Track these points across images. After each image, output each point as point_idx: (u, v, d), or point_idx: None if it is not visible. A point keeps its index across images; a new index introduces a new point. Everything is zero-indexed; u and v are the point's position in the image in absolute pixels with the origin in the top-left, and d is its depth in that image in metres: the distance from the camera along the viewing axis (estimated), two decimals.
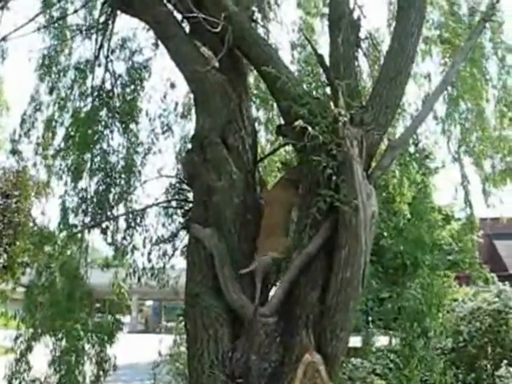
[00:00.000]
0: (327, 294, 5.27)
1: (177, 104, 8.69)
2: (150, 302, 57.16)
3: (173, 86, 9.17)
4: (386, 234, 12.07)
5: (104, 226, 8.04)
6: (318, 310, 5.28)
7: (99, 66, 8.35)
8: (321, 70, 6.93)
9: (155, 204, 7.26)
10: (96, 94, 8.33)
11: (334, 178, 5.24)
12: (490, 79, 8.41)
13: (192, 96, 7.07)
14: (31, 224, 13.21)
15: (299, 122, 5.25)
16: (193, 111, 8.59)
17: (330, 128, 5.42)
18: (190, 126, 8.99)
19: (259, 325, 5.27)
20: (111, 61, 8.36)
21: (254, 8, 7.55)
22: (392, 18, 8.54)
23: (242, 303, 5.47)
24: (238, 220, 5.92)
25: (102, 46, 8.31)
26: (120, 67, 8.51)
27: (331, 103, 5.74)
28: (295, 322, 5.30)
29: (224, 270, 5.63)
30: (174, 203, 7.04)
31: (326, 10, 7.76)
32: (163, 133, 8.59)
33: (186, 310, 5.90)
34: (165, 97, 8.81)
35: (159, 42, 8.91)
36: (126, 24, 8.58)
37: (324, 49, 6.49)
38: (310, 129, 5.20)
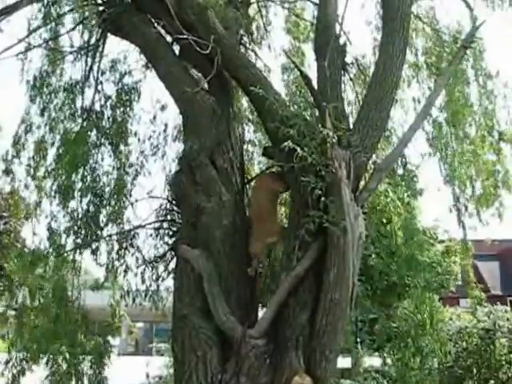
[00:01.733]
0: (316, 316, 5.27)
1: (166, 126, 8.67)
2: (140, 324, 56.74)
3: (163, 108, 9.21)
4: (375, 254, 12.08)
5: (94, 246, 8.02)
6: (308, 332, 5.27)
7: (89, 87, 8.36)
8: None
9: (143, 225, 7.24)
10: (86, 115, 8.34)
11: (322, 199, 5.25)
12: (471, 105, 8.53)
13: (181, 117, 7.05)
14: (21, 245, 13.17)
15: (288, 143, 5.28)
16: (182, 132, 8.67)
17: (318, 149, 5.46)
18: (180, 148, 9.04)
19: (248, 347, 5.25)
20: (101, 82, 8.38)
21: (242, 32, 7.59)
22: (377, 43, 8.64)
23: (231, 325, 5.45)
24: (227, 241, 5.93)
25: (92, 68, 8.33)
26: (110, 89, 8.53)
27: (319, 125, 5.77)
28: (284, 343, 5.28)
29: (213, 291, 5.62)
30: (163, 224, 7.00)
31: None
32: (153, 154, 8.58)
33: (174, 332, 5.87)
34: (154, 118, 8.80)
35: (149, 64, 9.06)
36: (116, 46, 8.61)
37: (314, 72, 6.53)
38: (299, 150, 5.22)
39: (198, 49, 6.45)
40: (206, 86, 6.65)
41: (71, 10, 8.34)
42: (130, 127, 8.58)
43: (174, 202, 6.81)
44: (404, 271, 10.49)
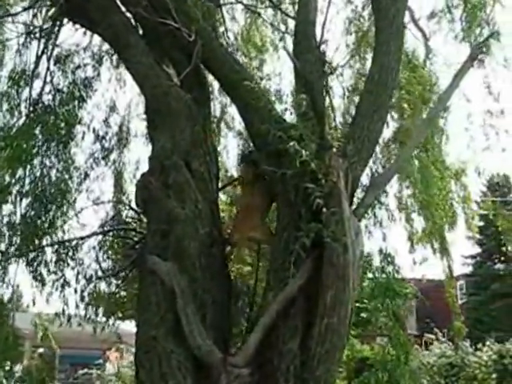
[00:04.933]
0: (309, 343, 4.59)
1: (121, 127, 7.90)
2: (41, 350, 53.95)
3: (114, 108, 8.46)
4: None
5: (31, 257, 7.06)
6: (299, 361, 4.58)
7: (38, 78, 7.46)
8: None
9: (97, 233, 6.39)
10: (32, 108, 7.41)
11: (324, 210, 4.63)
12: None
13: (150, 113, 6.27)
14: None
15: (293, 144, 4.64)
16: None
17: (316, 155, 4.88)
18: (130, 154, 8.33)
19: (231, 377, 4.48)
20: (52, 74, 7.48)
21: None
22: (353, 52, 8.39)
23: (208, 349, 4.67)
24: (203, 254, 5.18)
25: (41, 57, 7.43)
26: (61, 82, 7.64)
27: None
28: (272, 373, 4.57)
29: (187, 309, 4.83)
30: (120, 233, 6.18)
31: None
32: (103, 158, 7.75)
33: (139, 357, 5.00)
34: (106, 120, 8.00)
35: (103, 60, 8.29)
36: (73, 35, 7.80)
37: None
38: (304, 152, 4.59)
39: (174, 40, 5.89)
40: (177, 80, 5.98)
41: None
42: (81, 126, 7.71)
43: (135, 209, 6.02)
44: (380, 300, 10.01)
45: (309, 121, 5.19)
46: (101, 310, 8.10)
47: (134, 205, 6.34)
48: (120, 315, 11.21)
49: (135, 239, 6.02)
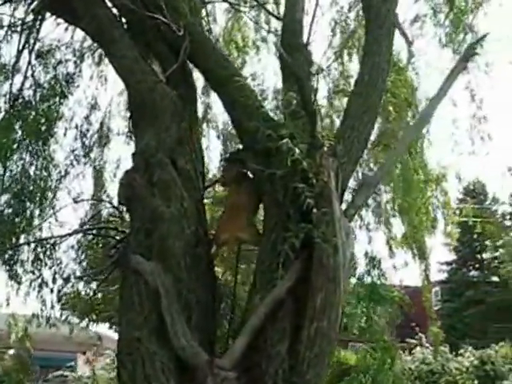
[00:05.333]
0: (298, 346, 4.46)
1: (102, 125, 7.72)
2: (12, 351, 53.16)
3: (95, 106, 8.30)
4: None
5: (7, 255, 6.86)
6: (288, 365, 4.46)
7: (18, 72, 7.26)
8: None
9: (77, 232, 6.23)
10: (11, 103, 7.21)
11: (314, 210, 4.53)
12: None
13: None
14: None
15: (286, 142, 4.53)
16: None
17: (307, 154, 4.78)
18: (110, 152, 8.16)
19: (217, 380, 4.33)
20: (33, 68, 7.28)
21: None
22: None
23: (193, 351, 4.52)
24: (189, 254, 5.04)
25: (23, 51, 7.24)
26: (42, 77, 7.45)
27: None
28: (260, 377, 4.44)
29: (172, 310, 4.68)
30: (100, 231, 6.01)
31: None
32: (84, 155, 7.57)
33: (122, 358, 4.83)
34: (87, 118, 7.83)
35: (85, 57, 8.14)
36: (50, 32, 7.64)
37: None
38: (297, 150, 4.49)
39: (160, 35, 5.82)
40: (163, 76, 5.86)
41: None
42: (61, 123, 7.52)
43: (117, 207, 5.86)
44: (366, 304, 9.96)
45: (299, 119, 5.09)
46: (75, 312, 7.94)
47: (115, 203, 6.17)
48: (94, 317, 11.08)
49: (117, 238, 5.85)
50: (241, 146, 5.73)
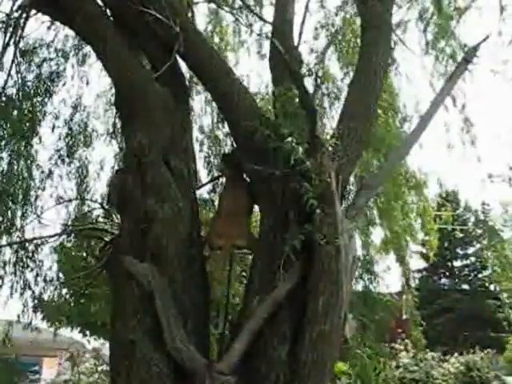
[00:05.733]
0: (300, 351, 4.36)
1: (86, 125, 7.55)
2: None
3: (77, 107, 8.10)
4: None
5: None
6: (289, 370, 4.35)
7: (1, 70, 7.03)
8: None
9: (65, 233, 6.04)
10: None
11: (317, 211, 4.43)
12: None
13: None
14: None
15: (290, 141, 4.43)
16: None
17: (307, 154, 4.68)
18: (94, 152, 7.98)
19: None
20: (18, 65, 7.06)
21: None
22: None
23: (190, 355, 4.39)
24: (183, 255, 4.91)
25: (6, 48, 7.02)
26: (27, 75, 7.24)
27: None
28: (260, 381, 4.33)
29: (168, 312, 4.55)
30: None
31: None
32: (68, 155, 7.37)
33: (115, 363, 4.70)
34: (71, 119, 7.65)
35: (70, 55, 7.96)
36: (34, 31, 7.45)
37: None
38: (300, 149, 4.39)
39: (150, 32, 5.67)
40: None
41: None
42: (45, 122, 7.32)
43: (105, 207, 5.70)
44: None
45: (296, 119, 5.00)
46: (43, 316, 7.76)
47: (100, 204, 6.00)
48: (65, 322, 10.84)
49: (105, 239, 5.68)
50: (236, 147, 5.60)
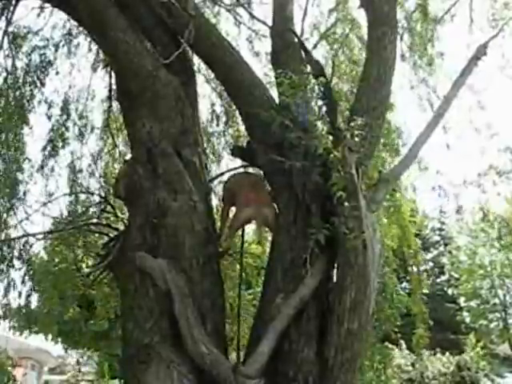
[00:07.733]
0: (327, 351, 4.13)
1: (81, 117, 7.19)
2: None
3: (68, 100, 7.72)
4: None
5: None
6: (317, 370, 4.11)
7: None
8: None
9: (67, 229, 5.66)
10: None
11: (344, 204, 4.20)
12: None
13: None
14: None
15: (320, 133, 4.19)
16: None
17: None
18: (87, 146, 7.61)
19: None
20: (9, 54, 6.66)
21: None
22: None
23: (214, 358, 4.10)
24: (201, 251, 4.61)
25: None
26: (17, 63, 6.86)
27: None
28: None
29: (187, 313, 4.25)
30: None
31: None
32: (60, 148, 6.99)
33: (131, 368, 4.31)
34: (65, 108, 7.28)
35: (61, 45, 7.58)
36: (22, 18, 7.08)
37: None
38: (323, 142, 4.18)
39: (157, 20, 5.45)
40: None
41: None
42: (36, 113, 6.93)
43: (107, 200, 5.36)
44: None
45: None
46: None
47: (103, 197, 5.67)
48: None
49: (110, 235, 5.35)
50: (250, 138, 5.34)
